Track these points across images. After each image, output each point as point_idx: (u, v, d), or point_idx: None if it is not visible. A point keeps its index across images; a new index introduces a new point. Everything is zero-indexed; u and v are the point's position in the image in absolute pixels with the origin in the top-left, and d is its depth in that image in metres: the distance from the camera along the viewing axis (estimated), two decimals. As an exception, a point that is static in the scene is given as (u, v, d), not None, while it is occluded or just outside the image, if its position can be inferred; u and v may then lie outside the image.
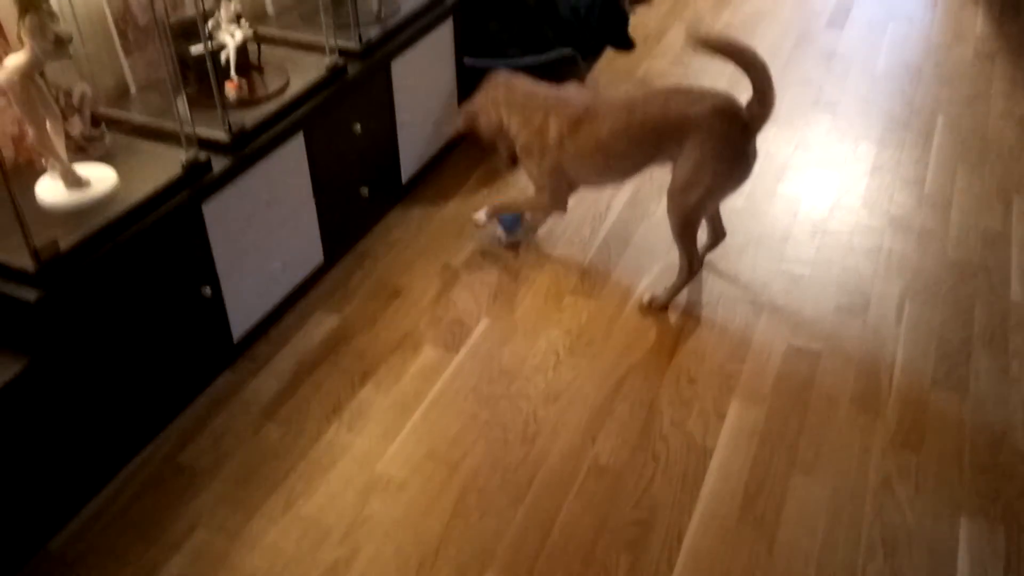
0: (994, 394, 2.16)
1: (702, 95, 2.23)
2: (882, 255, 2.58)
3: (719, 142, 2.19)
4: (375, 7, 2.65)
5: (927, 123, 3.15)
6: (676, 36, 3.75)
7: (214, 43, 2.24)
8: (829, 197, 2.81)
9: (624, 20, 3.37)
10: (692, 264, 2.36)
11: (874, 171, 2.92)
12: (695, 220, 2.31)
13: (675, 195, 2.27)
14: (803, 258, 2.59)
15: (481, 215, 2.59)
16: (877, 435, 2.07)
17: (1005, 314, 2.37)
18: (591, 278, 2.55)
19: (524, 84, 2.44)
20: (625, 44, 3.39)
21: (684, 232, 2.32)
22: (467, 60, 2.98)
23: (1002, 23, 3.79)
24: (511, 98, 2.42)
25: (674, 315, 2.41)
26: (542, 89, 2.43)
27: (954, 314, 2.38)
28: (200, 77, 2.21)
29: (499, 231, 2.67)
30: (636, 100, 2.30)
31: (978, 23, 3.81)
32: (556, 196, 2.47)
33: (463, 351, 2.31)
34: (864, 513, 1.90)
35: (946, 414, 2.11)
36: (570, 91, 2.42)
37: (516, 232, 2.67)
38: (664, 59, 3.59)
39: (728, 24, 3.84)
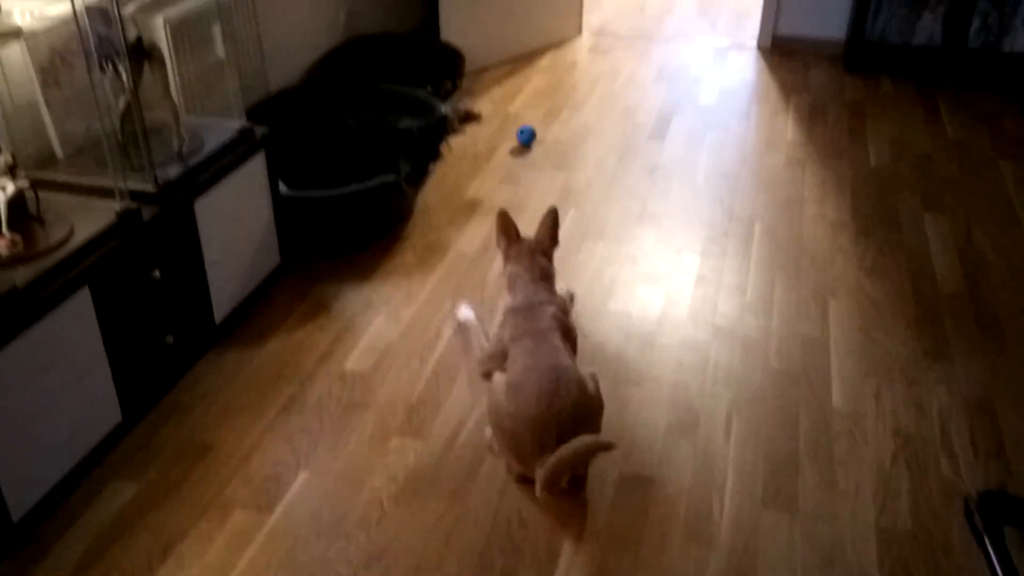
0: (823, 509, 2.15)
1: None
2: (709, 368, 2.59)
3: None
4: (176, 145, 2.53)
5: (746, 230, 3.25)
6: (505, 153, 3.78)
7: (-16, 196, 2.06)
8: (656, 311, 2.83)
9: (444, 134, 3.34)
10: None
11: (698, 281, 2.97)
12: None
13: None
14: (633, 377, 2.56)
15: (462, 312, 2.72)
16: (711, 566, 2.00)
17: (828, 422, 2.40)
18: (419, 415, 2.43)
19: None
20: (434, 155, 3.33)
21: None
22: (284, 191, 2.89)
23: (811, 130, 4.02)
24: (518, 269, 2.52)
25: (505, 449, 2.32)
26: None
27: (780, 425, 2.39)
28: (-33, 235, 2.02)
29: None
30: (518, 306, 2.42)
31: (788, 130, 4.02)
32: (490, 361, 2.44)
33: (278, 511, 2.13)
34: (702, 656, 1.82)
35: (777, 536, 2.07)
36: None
37: (530, 145, 3.80)
38: (493, 177, 3.60)
39: (557, 139, 3.91)
